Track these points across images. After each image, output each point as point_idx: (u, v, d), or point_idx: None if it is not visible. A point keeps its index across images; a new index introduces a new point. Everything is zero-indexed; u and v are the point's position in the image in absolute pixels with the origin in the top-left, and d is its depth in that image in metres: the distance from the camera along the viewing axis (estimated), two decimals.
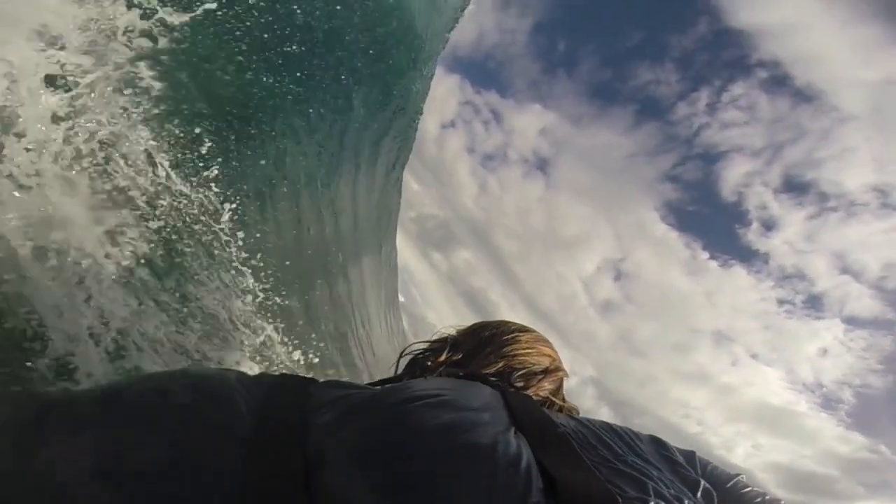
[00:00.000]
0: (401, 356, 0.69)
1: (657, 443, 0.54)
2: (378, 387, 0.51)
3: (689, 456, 0.54)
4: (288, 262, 3.85)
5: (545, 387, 0.67)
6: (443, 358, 0.64)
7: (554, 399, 0.68)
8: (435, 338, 0.71)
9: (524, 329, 0.72)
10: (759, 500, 0.54)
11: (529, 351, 0.68)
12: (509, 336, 0.69)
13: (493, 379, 0.61)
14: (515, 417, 0.47)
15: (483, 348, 0.67)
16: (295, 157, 4.25)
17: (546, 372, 0.68)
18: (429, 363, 0.64)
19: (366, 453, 0.39)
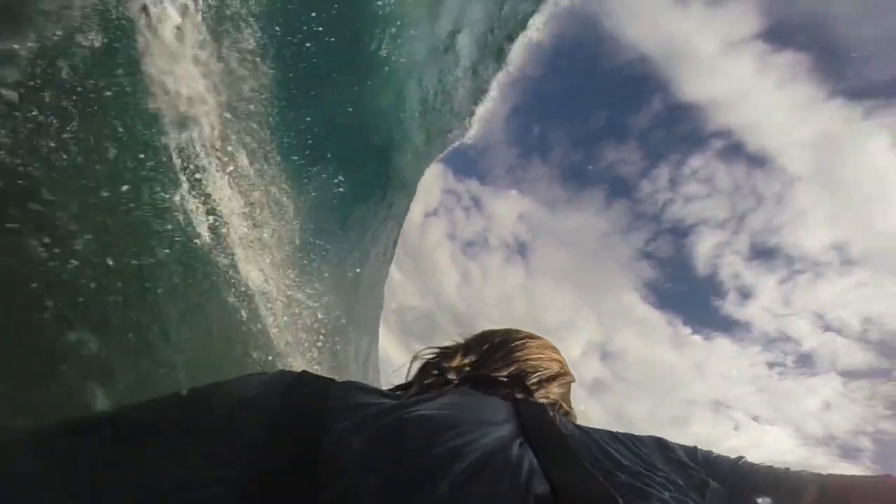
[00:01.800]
0: (413, 360, 0.68)
1: (661, 445, 0.54)
2: (392, 400, 0.51)
3: (692, 452, 0.55)
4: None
5: (555, 391, 0.69)
6: (456, 362, 0.63)
7: (563, 404, 0.69)
8: (445, 344, 0.71)
9: (532, 336, 0.73)
10: (763, 471, 0.55)
11: (541, 356, 0.69)
12: (520, 341, 0.70)
13: (505, 380, 0.63)
14: (524, 428, 0.48)
15: (495, 352, 0.68)
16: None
17: (557, 376, 0.70)
18: (442, 366, 0.63)
19: (373, 464, 0.39)
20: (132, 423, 0.41)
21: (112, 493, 0.34)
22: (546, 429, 0.49)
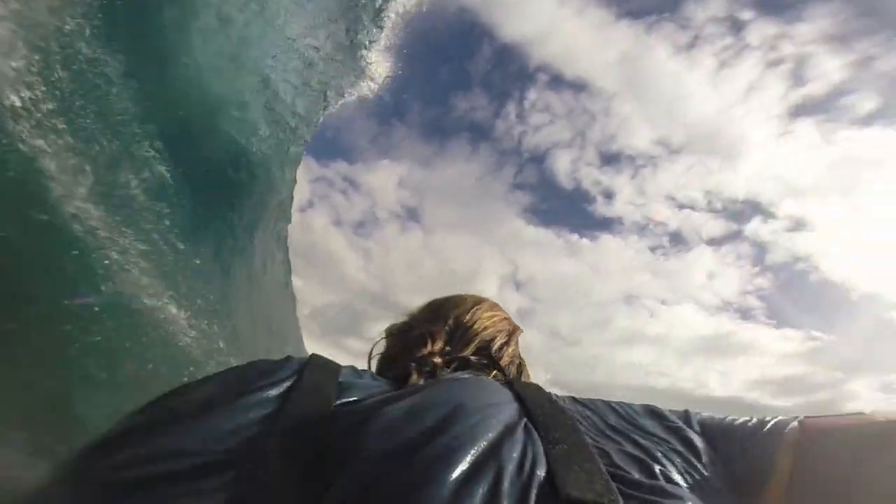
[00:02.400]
0: (370, 357, 0.68)
1: (653, 412, 0.54)
2: (396, 388, 0.51)
3: (686, 417, 0.54)
4: None
5: (511, 350, 0.71)
6: (428, 351, 0.63)
7: (522, 360, 0.72)
8: (395, 331, 0.71)
9: (478, 300, 0.74)
10: (748, 424, 0.52)
11: (493, 320, 0.71)
12: (470, 313, 0.71)
13: (475, 359, 0.64)
14: (526, 409, 0.47)
15: (455, 332, 0.68)
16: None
17: (510, 335, 0.72)
18: (418, 357, 0.61)
19: (382, 455, 0.38)
20: (156, 416, 0.40)
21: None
22: (546, 408, 0.48)
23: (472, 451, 0.39)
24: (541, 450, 0.41)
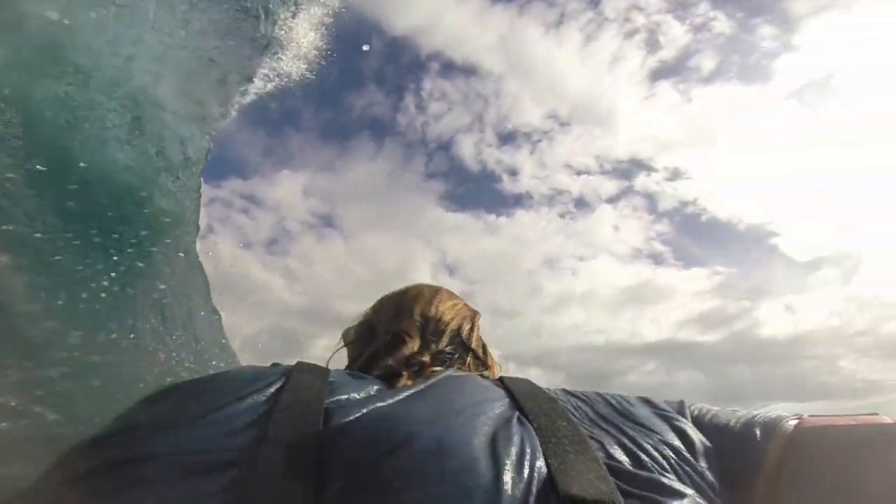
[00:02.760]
0: (329, 361, 0.65)
1: (647, 402, 0.54)
2: (388, 388, 0.50)
3: (681, 408, 0.54)
4: None
5: (477, 335, 0.71)
6: (410, 350, 0.61)
7: (485, 344, 0.72)
8: (358, 334, 0.70)
9: (434, 290, 0.74)
10: (743, 417, 0.51)
11: (457, 308, 0.71)
12: (435, 303, 0.70)
13: (451, 348, 0.64)
14: (518, 403, 0.47)
15: (427, 325, 0.67)
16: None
17: (473, 322, 0.72)
18: (400, 358, 0.60)
19: (374, 458, 0.38)
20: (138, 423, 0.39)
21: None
22: (541, 403, 0.48)
23: (469, 446, 0.39)
24: (537, 442, 0.41)
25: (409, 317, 0.68)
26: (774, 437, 0.47)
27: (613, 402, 0.52)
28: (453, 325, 0.68)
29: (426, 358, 0.60)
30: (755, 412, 0.52)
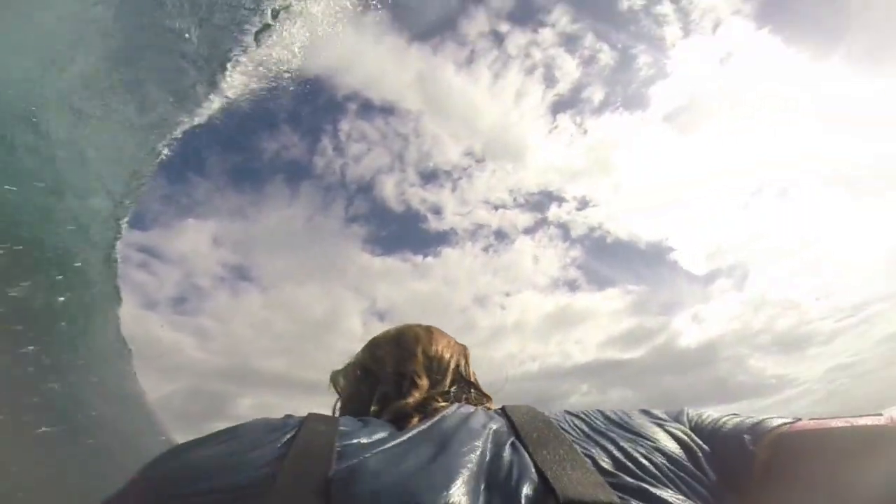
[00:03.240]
0: (334, 411, 0.69)
1: (646, 414, 0.55)
2: (397, 430, 0.51)
3: (680, 416, 0.55)
4: None
5: (471, 370, 0.73)
6: (420, 395, 0.62)
7: (475, 378, 0.73)
8: (355, 378, 0.70)
9: (426, 329, 0.75)
10: (735, 421, 0.52)
11: (451, 345, 0.73)
12: (434, 343, 0.72)
13: (455, 389, 0.66)
14: (515, 429, 0.50)
15: (432, 365, 0.68)
16: None
17: (466, 355, 0.74)
18: (420, 401, 0.61)
19: (378, 495, 0.40)
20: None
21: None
22: (537, 426, 0.50)
23: (464, 472, 0.41)
24: (530, 463, 0.44)
25: (414, 357, 0.68)
26: (763, 440, 0.47)
27: (612, 415, 0.55)
28: (452, 363, 0.70)
29: (439, 400, 0.62)
30: (752, 416, 0.52)
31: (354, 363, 0.72)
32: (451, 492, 0.39)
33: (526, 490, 0.41)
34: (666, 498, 0.42)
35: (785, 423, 0.48)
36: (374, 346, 0.73)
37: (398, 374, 0.65)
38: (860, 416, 0.46)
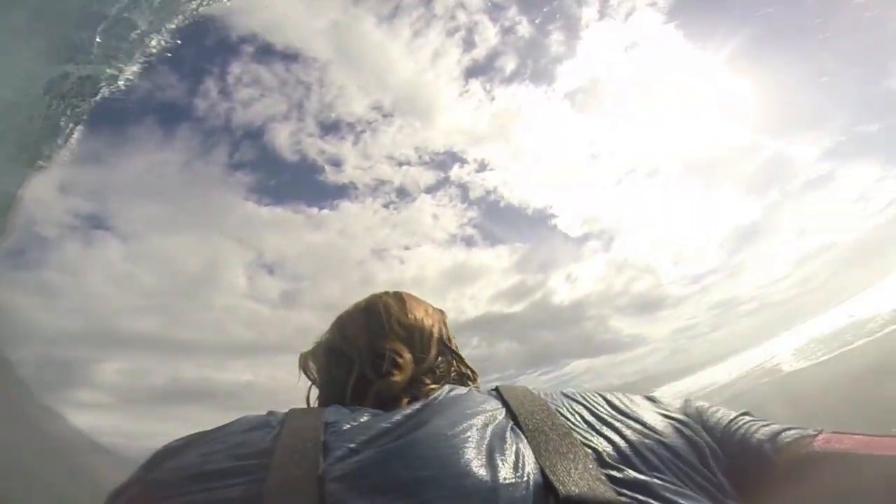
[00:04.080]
0: (308, 400, 0.64)
1: (653, 402, 0.53)
2: (384, 415, 0.49)
3: (685, 408, 0.52)
4: None
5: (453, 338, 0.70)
6: (398, 380, 0.58)
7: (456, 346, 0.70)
8: (327, 362, 0.64)
9: (399, 298, 0.69)
10: (754, 427, 0.48)
11: (429, 312, 0.69)
12: (410, 313, 0.66)
13: (441, 361, 0.63)
14: (512, 413, 0.48)
15: (412, 338, 0.63)
16: None
17: (444, 320, 0.70)
18: (394, 386, 0.57)
19: (369, 476, 0.40)
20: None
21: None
22: (535, 412, 0.49)
23: (465, 458, 0.40)
24: (531, 449, 0.42)
25: (389, 331, 0.64)
26: (785, 452, 0.45)
27: (616, 401, 0.52)
28: (436, 333, 0.66)
29: (428, 381, 0.59)
30: (767, 421, 0.50)
31: (323, 345, 0.67)
32: (449, 480, 0.38)
33: (527, 480, 0.39)
34: (669, 496, 0.40)
35: (809, 437, 0.45)
36: (341, 323, 0.68)
37: (374, 353, 0.61)
38: (881, 436, 0.44)
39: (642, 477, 0.41)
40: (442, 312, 0.72)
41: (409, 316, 0.66)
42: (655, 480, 0.41)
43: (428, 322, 0.66)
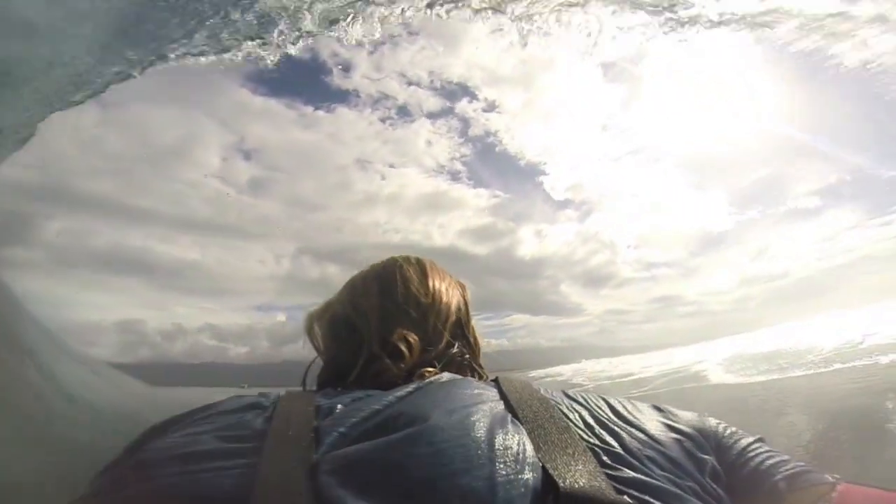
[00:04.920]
0: (306, 375, 0.62)
1: (661, 412, 0.52)
2: (378, 396, 0.48)
3: (698, 423, 0.52)
4: None
5: (469, 310, 0.68)
6: (402, 367, 0.56)
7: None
8: (335, 335, 0.64)
9: (420, 267, 0.67)
10: (771, 461, 0.48)
11: (449, 289, 0.66)
12: (428, 286, 0.64)
13: (453, 351, 0.61)
14: (511, 406, 0.47)
15: (424, 319, 0.62)
16: None
17: (465, 296, 0.68)
18: (410, 367, 0.56)
19: (364, 471, 0.38)
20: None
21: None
22: (535, 406, 0.48)
23: (465, 445, 0.39)
24: (530, 446, 0.41)
25: (404, 309, 0.62)
26: (801, 494, 0.44)
27: (619, 407, 0.51)
28: (454, 314, 0.64)
29: (431, 367, 0.57)
30: (784, 456, 0.49)
31: (334, 314, 0.65)
32: (446, 473, 0.37)
33: (527, 474, 0.38)
34: (668, 498, 0.40)
35: (828, 485, 0.45)
36: (354, 291, 0.66)
37: (384, 335, 0.59)
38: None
39: (641, 477, 0.41)
40: (463, 287, 0.70)
41: (429, 292, 0.64)
42: (653, 481, 0.41)
43: (446, 300, 0.64)
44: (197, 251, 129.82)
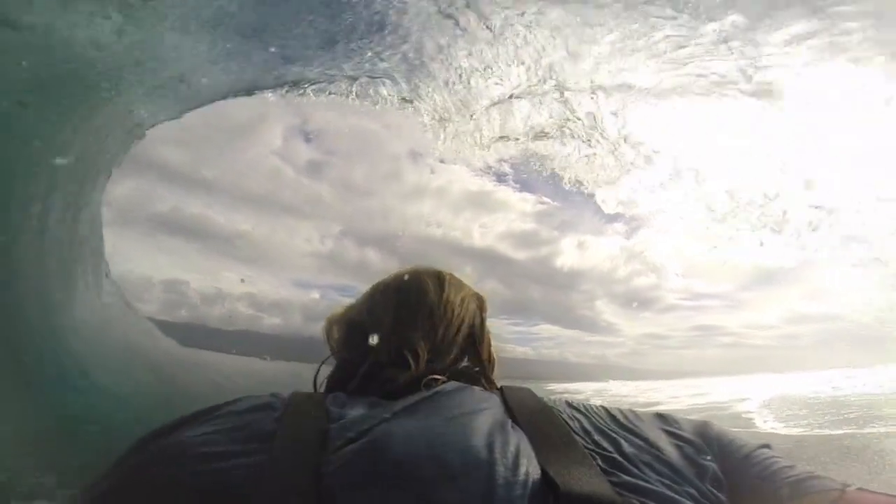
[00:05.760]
0: (317, 376, 0.61)
1: (662, 420, 0.53)
2: (384, 407, 0.48)
3: (702, 428, 0.52)
4: None
5: (486, 326, 0.68)
6: (407, 377, 0.56)
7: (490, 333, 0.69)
8: (349, 341, 0.64)
9: (438, 279, 0.67)
10: (775, 467, 0.48)
11: (465, 303, 0.66)
12: (443, 299, 0.64)
13: (465, 364, 0.63)
14: (512, 413, 0.48)
15: (436, 332, 0.62)
16: None
17: (482, 309, 0.68)
18: (414, 377, 0.56)
19: (367, 473, 0.39)
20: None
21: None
22: (536, 413, 0.48)
23: (464, 450, 0.40)
24: (531, 450, 0.42)
25: (415, 319, 0.62)
26: (804, 499, 0.44)
27: (619, 416, 0.52)
28: (465, 328, 0.64)
29: (438, 377, 0.57)
30: (788, 462, 0.48)
31: (351, 319, 0.66)
32: (447, 476, 0.38)
33: (527, 476, 0.39)
34: (664, 493, 0.41)
35: (833, 492, 0.44)
36: (373, 298, 0.67)
37: (394, 342, 0.60)
38: None
39: (637, 481, 0.41)
40: (482, 300, 0.69)
41: (443, 303, 0.64)
42: (649, 486, 0.41)
43: (459, 312, 0.64)
44: (250, 223, 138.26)
